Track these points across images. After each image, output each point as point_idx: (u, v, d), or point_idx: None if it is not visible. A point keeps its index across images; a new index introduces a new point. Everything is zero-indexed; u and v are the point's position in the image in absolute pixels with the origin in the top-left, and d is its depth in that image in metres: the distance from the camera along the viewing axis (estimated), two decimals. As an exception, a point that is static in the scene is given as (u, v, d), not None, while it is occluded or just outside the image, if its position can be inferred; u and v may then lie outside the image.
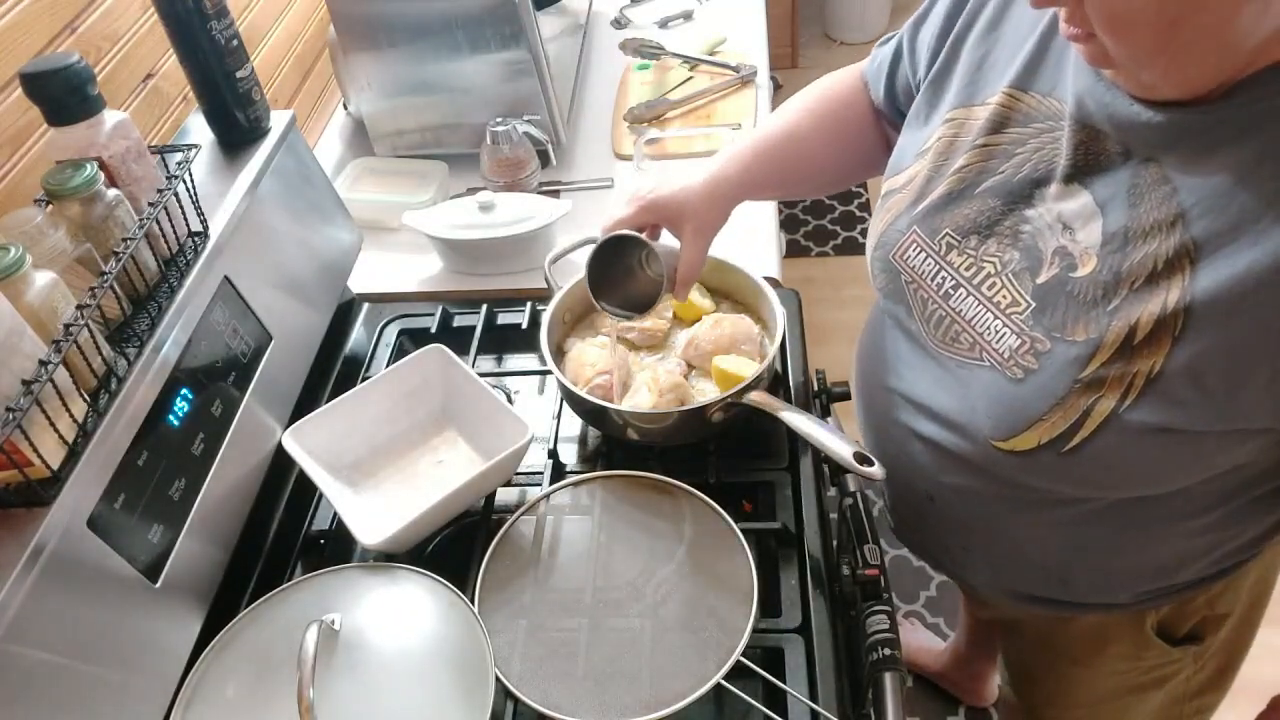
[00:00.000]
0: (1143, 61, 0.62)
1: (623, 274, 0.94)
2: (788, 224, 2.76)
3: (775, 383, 1.08)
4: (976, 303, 0.77)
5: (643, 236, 0.90)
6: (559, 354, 1.06)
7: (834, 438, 0.87)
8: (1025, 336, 0.73)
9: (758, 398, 0.95)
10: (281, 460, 0.97)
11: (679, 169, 1.46)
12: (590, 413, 1.03)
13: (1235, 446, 0.69)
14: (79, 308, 0.74)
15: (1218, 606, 0.90)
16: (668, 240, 0.94)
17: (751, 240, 1.31)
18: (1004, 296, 0.75)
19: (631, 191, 0.93)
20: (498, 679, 0.79)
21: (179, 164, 0.90)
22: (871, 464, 0.84)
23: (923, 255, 0.81)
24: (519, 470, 0.99)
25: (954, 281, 0.79)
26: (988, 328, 0.76)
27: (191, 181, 0.91)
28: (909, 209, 0.83)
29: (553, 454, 1.04)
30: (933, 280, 0.80)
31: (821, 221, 2.79)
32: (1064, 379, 0.70)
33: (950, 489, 0.84)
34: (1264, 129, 0.61)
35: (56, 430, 0.71)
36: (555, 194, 1.42)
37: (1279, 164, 0.61)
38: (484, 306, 1.21)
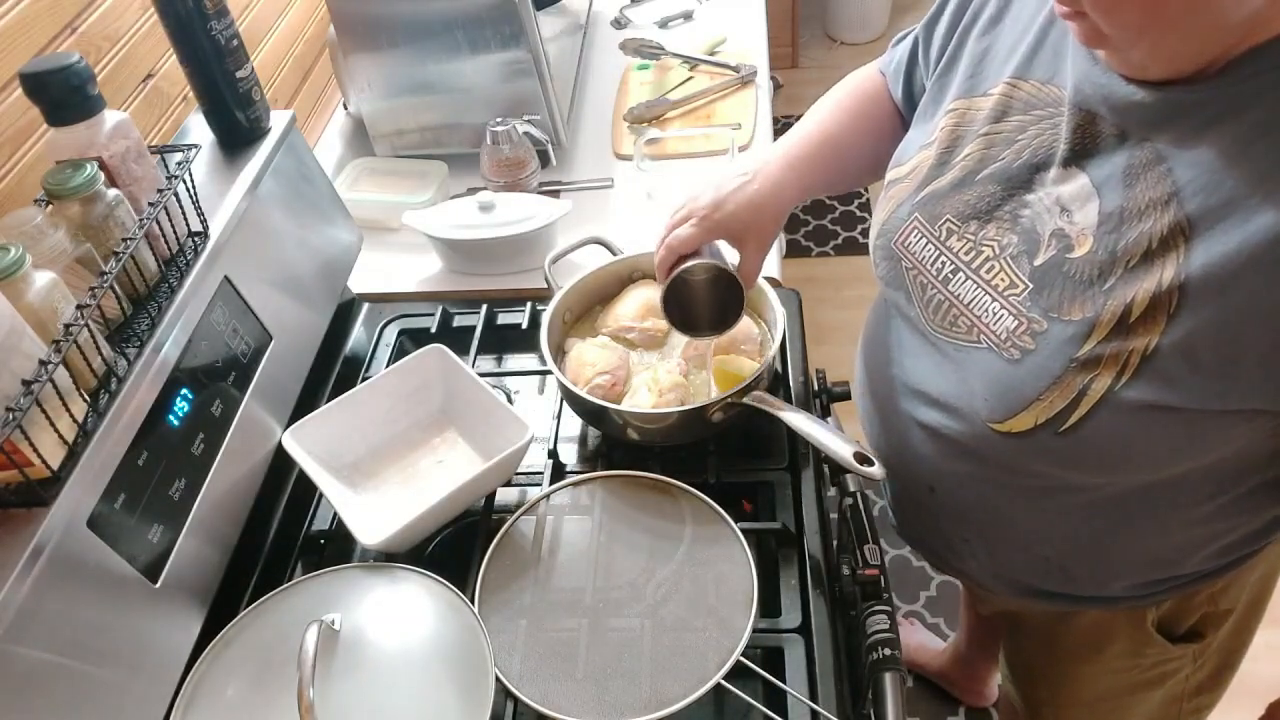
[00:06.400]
0: (1130, 38, 0.64)
1: (691, 294, 0.94)
2: (788, 224, 2.74)
3: (775, 383, 1.08)
4: (975, 286, 0.77)
5: (711, 262, 0.90)
6: (559, 354, 1.06)
7: (834, 438, 0.87)
8: (1022, 318, 0.73)
9: (758, 398, 0.95)
10: (281, 460, 0.97)
11: (683, 169, 1.46)
12: (590, 413, 1.03)
13: (1231, 428, 0.69)
14: (79, 308, 0.74)
15: (1220, 603, 0.90)
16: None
17: (751, 240, 1.31)
18: (1002, 279, 0.76)
19: (689, 202, 0.93)
20: (498, 679, 0.79)
21: (179, 164, 0.90)
22: (871, 464, 0.84)
23: (924, 241, 0.82)
24: (519, 470, 0.99)
25: (953, 266, 0.79)
26: (985, 310, 0.76)
27: (191, 181, 0.91)
28: (911, 196, 0.84)
29: (553, 454, 1.04)
30: (932, 266, 0.81)
31: (821, 221, 2.79)
32: (1060, 358, 0.70)
33: (950, 477, 0.85)
34: (1256, 105, 0.62)
35: (56, 430, 0.71)
36: (555, 194, 1.42)
37: (1271, 140, 0.62)
38: (484, 306, 1.21)
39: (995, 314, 0.75)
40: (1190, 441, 0.70)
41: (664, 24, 1.82)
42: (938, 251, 0.81)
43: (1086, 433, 0.70)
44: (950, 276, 0.79)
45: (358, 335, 1.24)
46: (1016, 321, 0.74)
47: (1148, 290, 0.66)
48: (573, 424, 1.09)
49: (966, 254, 0.78)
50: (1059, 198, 0.73)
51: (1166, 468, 0.73)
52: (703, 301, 0.95)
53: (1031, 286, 0.73)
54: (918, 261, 0.82)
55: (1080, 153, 0.72)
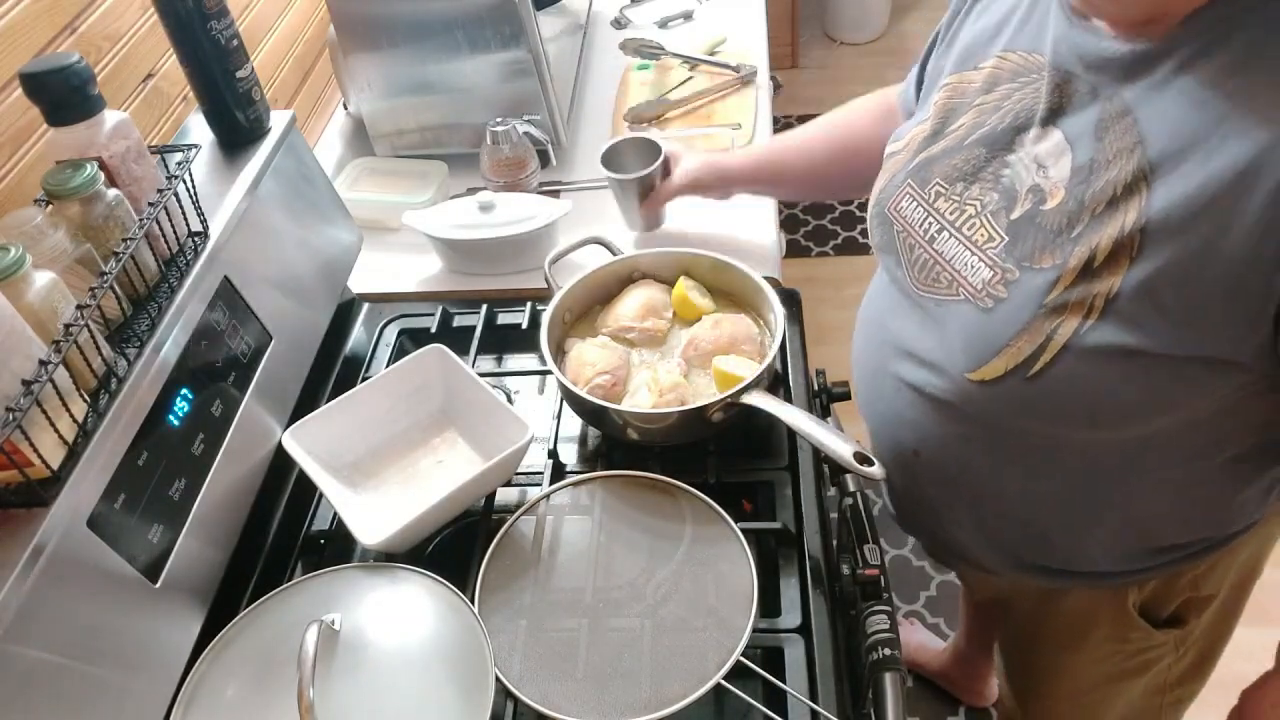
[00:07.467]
0: None
1: (626, 157, 1.28)
2: (788, 224, 2.76)
3: (775, 383, 1.08)
4: (956, 243, 0.80)
5: (654, 139, 1.26)
6: (559, 354, 1.06)
7: (834, 437, 0.88)
8: (997, 268, 0.76)
9: (758, 398, 0.95)
10: (281, 460, 0.97)
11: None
12: (590, 413, 1.03)
13: (1199, 380, 0.70)
14: (79, 308, 0.74)
15: (1202, 588, 0.92)
16: None
17: (751, 240, 1.31)
18: (981, 234, 0.78)
19: None
20: (498, 679, 0.79)
21: (179, 164, 0.90)
22: (871, 464, 0.85)
23: (914, 204, 0.85)
24: (519, 470, 0.99)
25: (938, 226, 0.82)
26: (965, 264, 0.79)
27: (191, 181, 0.91)
28: (906, 165, 0.87)
29: (553, 454, 1.04)
30: (920, 227, 0.84)
31: (821, 221, 2.79)
32: (1030, 305, 0.73)
33: (935, 439, 0.86)
34: (1216, 54, 0.65)
35: (56, 430, 0.71)
36: (555, 194, 1.42)
37: (1236, 82, 0.64)
38: (484, 306, 1.21)
39: (973, 267, 0.78)
40: (1158, 391, 0.71)
41: (664, 24, 1.82)
42: (926, 213, 0.84)
43: (1053, 379, 0.72)
44: (935, 235, 0.82)
45: (358, 335, 1.24)
46: (992, 272, 0.76)
47: (1111, 235, 0.68)
48: (573, 424, 1.09)
49: (952, 214, 0.81)
50: (1036, 155, 0.76)
51: (1137, 421, 0.75)
52: (635, 162, 1.27)
53: (1007, 239, 0.76)
54: (908, 224, 0.85)
55: (1056, 111, 0.75)
